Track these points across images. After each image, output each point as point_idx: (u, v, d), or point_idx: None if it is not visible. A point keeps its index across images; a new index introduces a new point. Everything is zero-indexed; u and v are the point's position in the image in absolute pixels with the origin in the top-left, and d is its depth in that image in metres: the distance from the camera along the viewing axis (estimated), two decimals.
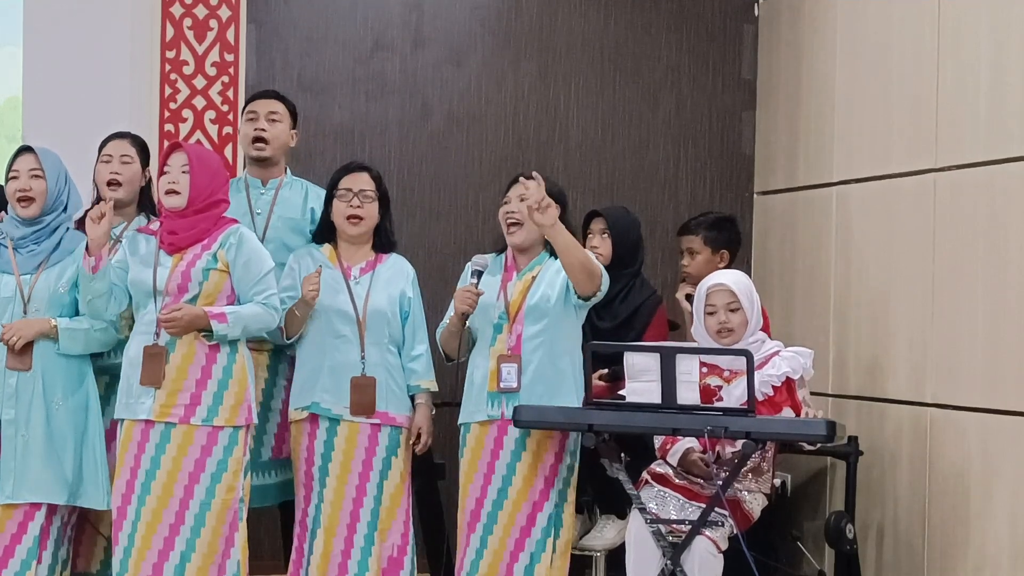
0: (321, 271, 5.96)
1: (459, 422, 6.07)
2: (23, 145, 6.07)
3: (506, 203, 6.07)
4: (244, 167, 6.81)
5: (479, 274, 5.98)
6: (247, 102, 6.52)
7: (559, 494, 5.99)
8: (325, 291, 5.96)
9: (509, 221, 6.05)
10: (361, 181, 6.11)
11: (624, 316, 6.50)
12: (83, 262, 5.75)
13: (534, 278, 6.02)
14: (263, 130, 6.34)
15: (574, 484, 6.06)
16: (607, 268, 6.49)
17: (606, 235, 6.57)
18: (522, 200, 5.99)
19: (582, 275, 5.91)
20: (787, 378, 5.98)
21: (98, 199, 6.19)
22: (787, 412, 5.92)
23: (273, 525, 6.62)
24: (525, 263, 6.08)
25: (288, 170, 6.45)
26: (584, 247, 6.45)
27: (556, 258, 6.03)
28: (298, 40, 7.56)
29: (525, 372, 5.95)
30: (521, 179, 6.00)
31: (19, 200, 5.91)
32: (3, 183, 6.12)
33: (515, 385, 5.94)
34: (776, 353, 6.03)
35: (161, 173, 5.86)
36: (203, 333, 5.73)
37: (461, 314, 5.95)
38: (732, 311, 6.02)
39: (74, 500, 5.86)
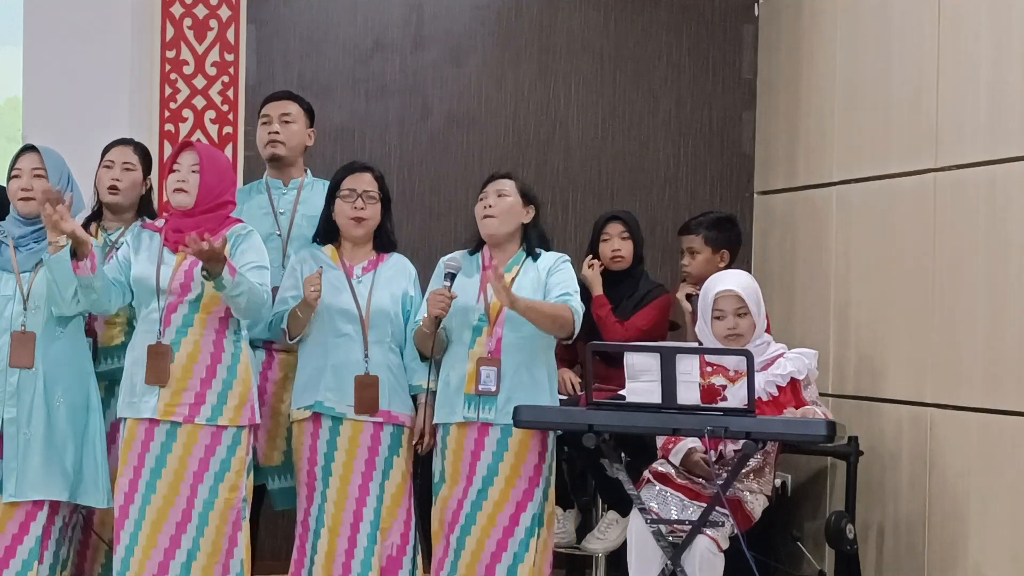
0: (322, 272, 5.96)
1: (435, 422, 6.05)
2: (27, 144, 6.07)
3: (483, 198, 6.08)
4: (244, 171, 6.82)
5: (452, 276, 5.97)
6: (262, 104, 6.49)
7: (543, 493, 5.99)
8: (328, 290, 5.96)
9: (485, 214, 6.05)
10: (364, 181, 6.11)
11: (629, 310, 6.54)
12: (77, 270, 5.68)
13: (513, 279, 6.01)
14: (276, 133, 6.34)
15: (553, 483, 6.06)
16: (629, 270, 6.56)
17: (627, 238, 6.63)
18: (499, 196, 6.03)
19: (553, 329, 5.95)
20: (792, 379, 5.98)
21: (99, 204, 6.21)
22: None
23: (274, 525, 6.62)
24: (503, 262, 6.05)
25: (308, 171, 6.45)
26: (598, 250, 6.53)
27: (535, 259, 6.04)
28: (298, 40, 7.56)
29: (504, 375, 5.95)
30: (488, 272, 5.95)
31: (21, 199, 5.91)
32: (4, 183, 6.12)
33: (494, 388, 5.93)
34: (781, 354, 6.04)
35: (171, 171, 5.86)
36: (203, 272, 5.68)
37: (435, 317, 5.94)
38: (740, 316, 6.01)
39: (74, 498, 5.86)
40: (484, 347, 5.97)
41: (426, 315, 5.95)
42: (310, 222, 6.26)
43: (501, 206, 6.04)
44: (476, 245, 6.14)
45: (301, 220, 6.29)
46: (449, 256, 6.09)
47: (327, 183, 6.36)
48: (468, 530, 5.96)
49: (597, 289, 6.57)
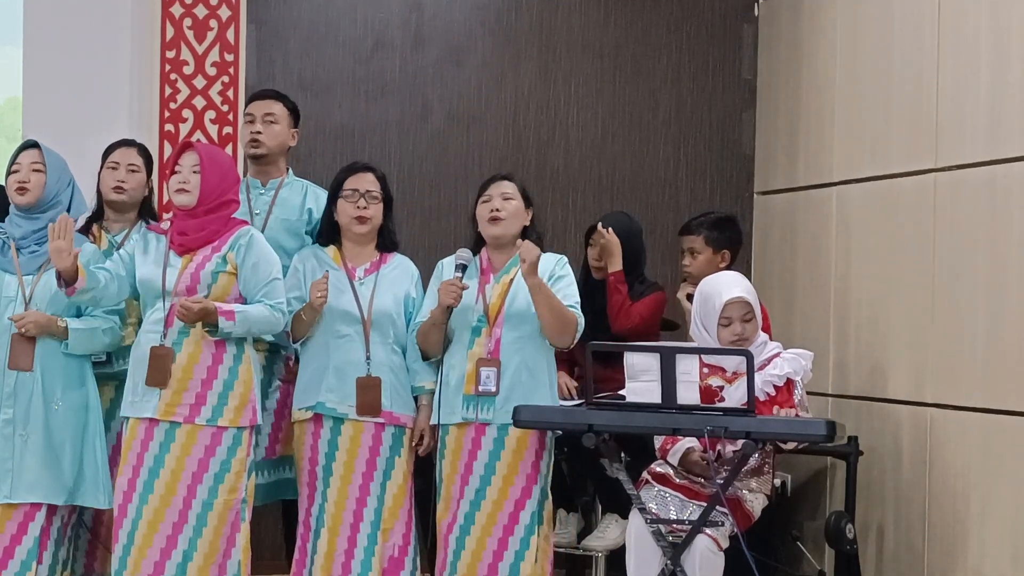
0: (328, 276, 5.96)
1: (435, 422, 6.05)
2: (29, 140, 6.07)
3: (487, 200, 6.07)
4: (245, 169, 6.81)
5: (463, 268, 5.97)
6: (247, 102, 6.51)
7: (541, 491, 6.00)
8: (330, 292, 5.95)
9: (492, 217, 6.04)
10: (367, 181, 6.10)
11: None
12: (72, 294, 5.69)
13: (512, 280, 6.02)
14: (259, 133, 6.34)
15: (550, 480, 6.06)
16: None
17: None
18: (504, 199, 6.02)
19: (553, 333, 5.94)
20: (788, 379, 5.98)
21: (100, 204, 6.21)
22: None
23: (274, 525, 6.62)
24: (501, 264, 6.07)
25: (290, 170, 6.44)
26: (587, 255, 6.52)
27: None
28: (298, 40, 7.56)
29: (504, 376, 5.95)
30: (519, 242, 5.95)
31: (16, 190, 5.91)
32: (3, 182, 6.13)
33: (494, 389, 5.94)
34: (778, 354, 6.04)
35: (172, 172, 5.86)
36: (207, 328, 5.73)
37: (446, 307, 5.94)
38: (746, 321, 6.01)
39: (73, 500, 5.87)
40: (483, 348, 5.98)
41: (434, 308, 5.95)
42: (283, 224, 6.27)
43: (508, 209, 6.04)
44: (475, 249, 6.13)
45: (274, 222, 6.28)
46: (461, 249, 6.09)
47: (307, 183, 6.37)
48: (468, 530, 5.97)
49: (616, 265, 6.52)
